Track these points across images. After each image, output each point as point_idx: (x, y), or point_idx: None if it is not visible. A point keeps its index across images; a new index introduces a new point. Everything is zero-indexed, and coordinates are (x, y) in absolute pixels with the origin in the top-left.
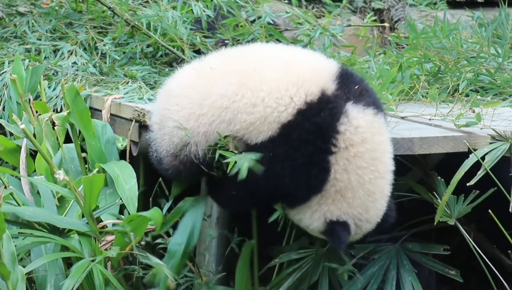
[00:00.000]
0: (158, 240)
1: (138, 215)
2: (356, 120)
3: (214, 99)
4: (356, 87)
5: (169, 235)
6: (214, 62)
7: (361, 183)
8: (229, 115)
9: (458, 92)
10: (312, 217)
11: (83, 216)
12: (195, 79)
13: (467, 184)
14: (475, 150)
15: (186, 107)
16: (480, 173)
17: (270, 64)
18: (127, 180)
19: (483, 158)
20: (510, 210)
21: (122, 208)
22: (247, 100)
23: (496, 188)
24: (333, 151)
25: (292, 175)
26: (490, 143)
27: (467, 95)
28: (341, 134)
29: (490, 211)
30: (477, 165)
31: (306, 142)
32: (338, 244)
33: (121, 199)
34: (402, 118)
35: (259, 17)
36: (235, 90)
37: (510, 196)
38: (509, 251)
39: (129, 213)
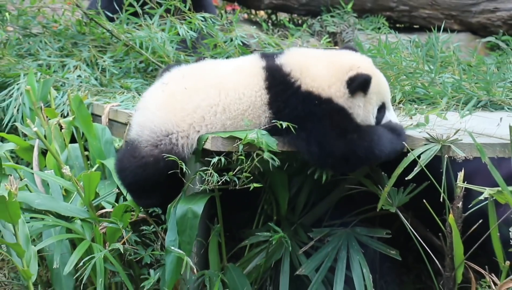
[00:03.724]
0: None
1: (123, 205)
2: None
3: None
4: None
5: (158, 224)
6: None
7: None
8: None
9: (396, 102)
10: None
11: (84, 205)
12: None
13: (406, 178)
14: (412, 150)
15: None
16: (416, 169)
17: None
18: None
19: (419, 156)
20: (441, 200)
21: (118, 197)
22: None
23: (429, 181)
24: None
25: None
26: (425, 144)
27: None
28: None
29: (424, 200)
30: (414, 163)
31: None
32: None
33: (117, 188)
34: None
35: (231, 39)
36: None
37: (441, 189)
38: (439, 234)
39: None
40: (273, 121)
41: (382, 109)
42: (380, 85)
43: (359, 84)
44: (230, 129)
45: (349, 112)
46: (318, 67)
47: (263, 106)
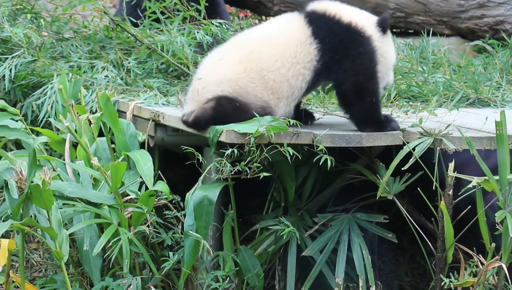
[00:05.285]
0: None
1: (148, 192)
2: None
3: None
4: None
5: (178, 210)
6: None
7: None
8: None
9: (391, 99)
10: None
11: (111, 192)
12: None
13: (402, 169)
14: (408, 143)
15: None
16: (411, 160)
17: None
18: (145, 163)
19: (414, 149)
20: (433, 188)
21: (141, 185)
22: None
23: (423, 171)
24: None
25: None
26: (419, 138)
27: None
28: None
29: (418, 189)
30: (409, 155)
31: None
32: None
33: (141, 177)
34: None
35: None
36: None
37: (433, 178)
38: (432, 219)
39: (146, 188)
40: (320, 52)
41: None
42: None
43: (388, 21)
44: (292, 81)
45: (378, 49)
46: (348, 8)
47: (308, 39)
